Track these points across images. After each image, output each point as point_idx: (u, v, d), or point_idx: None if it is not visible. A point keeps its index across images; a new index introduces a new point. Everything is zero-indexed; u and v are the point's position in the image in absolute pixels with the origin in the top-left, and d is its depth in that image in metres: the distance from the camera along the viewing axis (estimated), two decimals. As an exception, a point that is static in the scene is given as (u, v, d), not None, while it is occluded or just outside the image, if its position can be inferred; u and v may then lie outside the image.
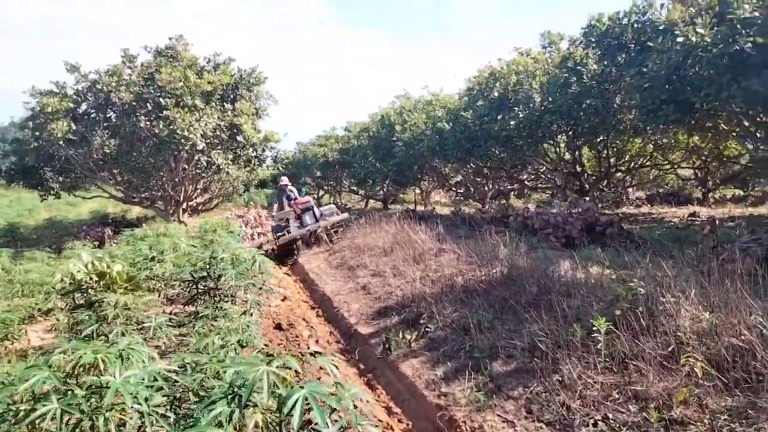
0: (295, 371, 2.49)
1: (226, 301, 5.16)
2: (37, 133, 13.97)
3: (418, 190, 23.28)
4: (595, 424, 3.14)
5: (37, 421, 2.30)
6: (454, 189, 20.46)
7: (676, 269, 4.39)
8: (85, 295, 4.72)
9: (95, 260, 4.82)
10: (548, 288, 5.21)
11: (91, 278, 4.71)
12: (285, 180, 13.25)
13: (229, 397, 2.25)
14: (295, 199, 12.34)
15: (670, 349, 3.52)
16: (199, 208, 19.70)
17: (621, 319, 3.91)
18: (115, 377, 2.49)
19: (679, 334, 3.58)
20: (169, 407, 2.97)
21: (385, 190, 24.06)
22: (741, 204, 15.17)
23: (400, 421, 3.98)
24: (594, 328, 3.71)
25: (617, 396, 3.33)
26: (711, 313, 3.66)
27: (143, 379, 2.63)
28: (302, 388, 2.17)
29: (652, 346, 3.56)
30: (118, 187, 16.30)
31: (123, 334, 4.24)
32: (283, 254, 11.15)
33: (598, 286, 4.91)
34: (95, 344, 2.74)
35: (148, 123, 13.09)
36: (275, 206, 12.94)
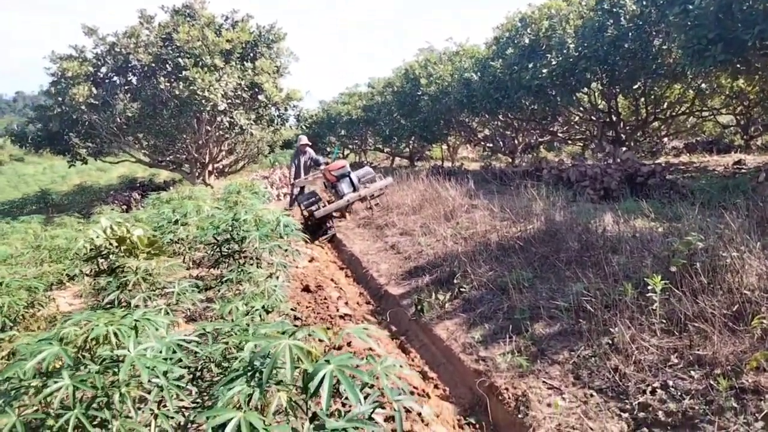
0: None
1: (251, 264, 4.98)
2: (59, 99, 13.88)
3: (445, 146, 22.72)
4: (653, 392, 2.85)
5: (49, 398, 2.13)
6: (482, 143, 19.86)
7: (737, 222, 3.98)
8: (106, 260, 4.58)
9: (114, 225, 4.65)
10: (591, 244, 4.86)
11: (110, 243, 4.55)
12: (304, 139, 11.19)
13: (249, 374, 2.03)
14: (317, 163, 10.45)
15: (735, 308, 3.18)
16: (226, 170, 19.64)
17: (677, 277, 3.57)
18: (129, 350, 2.28)
19: (745, 292, 3.22)
20: (190, 380, 2.79)
21: (411, 147, 23.57)
22: (788, 150, 14.32)
23: (436, 386, 3.76)
24: (649, 287, 3.38)
25: (677, 361, 3.02)
26: (783, 268, 3.29)
27: (160, 351, 2.44)
28: (328, 362, 1.93)
29: (714, 306, 3.22)
30: (143, 151, 16.24)
31: (145, 301, 4.11)
32: (314, 229, 8.81)
33: (646, 240, 4.54)
34: (107, 315, 2.53)
35: (168, 84, 12.84)
36: (292, 170, 11.02)
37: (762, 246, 3.76)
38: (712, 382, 2.73)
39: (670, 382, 2.86)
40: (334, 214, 9.16)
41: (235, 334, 3.00)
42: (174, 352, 2.59)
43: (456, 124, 17.98)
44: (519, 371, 3.42)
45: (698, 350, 3.01)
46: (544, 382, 3.26)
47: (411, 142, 22.71)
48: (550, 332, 3.78)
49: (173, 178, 20.63)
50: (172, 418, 2.42)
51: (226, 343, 2.80)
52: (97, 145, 16.19)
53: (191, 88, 12.30)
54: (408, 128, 19.04)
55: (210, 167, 16.90)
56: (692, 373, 2.88)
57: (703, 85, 12.94)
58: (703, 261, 3.60)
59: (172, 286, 4.26)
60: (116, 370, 2.29)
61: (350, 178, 9.09)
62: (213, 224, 5.34)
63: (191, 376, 2.78)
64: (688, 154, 15.61)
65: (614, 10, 10.53)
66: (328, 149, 30.83)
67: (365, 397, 2.30)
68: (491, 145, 19.18)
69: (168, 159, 16.60)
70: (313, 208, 8.79)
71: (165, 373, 2.35)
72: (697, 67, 9.23)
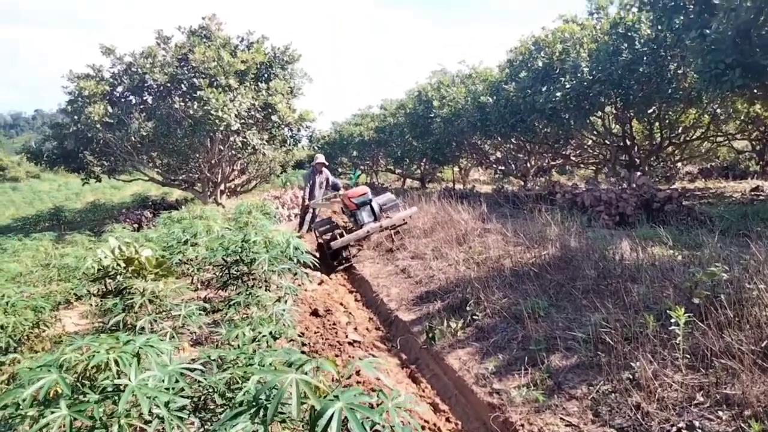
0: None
1: (260, 287, 4.89)
2: (75, 117, 14.04)
3: (456, 168, 22.67)
4: (678, 433, 2.69)
5: (45, 429, 2.04)
6: (494, 166, 19.78)
7: (764, 252, 3.83)
8: (113, 281, 4.52)
9: (123, 245, 4.60)
10: (609, 272, 4.72)
11: (118, 264, 4.49)
12: (321, 158, 10.60)
13: (253, 410, 1.92)
14: (336, 187, 9.99)
15: (764, 344, 3.02)
16: (238, 189, 19.70)
17: (701, 309, 3.43)
18: (130, 379, 2.19)
19: (774, 327, 3.07)
20: (193, 410, 2.69)
21: (422, 168, 23.56)
22: (807, 177, 14.06)
23: (448, 420, 3.62)
24: (671, 320, 3.23)
25: (702, 399, 2.87)
26: (814, 303, 3.14)
27: (162, 380, 2.34)
28: (337, 398, 1.83)
29: (742, 341, 3.06)
30: (156, 170, 16.34)
31: (151, 324, 4.03)
32: (330, 257, 7.99)
33: (666, 269, 4.39)
34: (109, 340, 2.45)
35: (183, 104, 12.94)
36: (306, 190, 10.41)
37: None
38: (742, 425, 2.57)
39: (697, 423, 2.71)
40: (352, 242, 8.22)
41: (240, 362, 2.90)
42: (177, 381, 2.50)
43: (468, 147, 17.95)
44: (535, 406, 3.28)
45: (725, 389, 2.85)
46: (561, 418, 3.11)
47: (422, 163, 22.70)
48: (568, 365, 3.64)
49: (185, 197, 20.73)
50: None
51: (231, 372, 2.70)
52: (111, 164, 16.32)
53: (205, 107, 12.38)
54: (420, 150, 19.05)
55: (222, 186, 16.95)
56: (720, 413, 2.72)
57: (719, 110, 12.82)
58: (728, 293, 3.46)
59: (179, 308, 4.19)
60: (116, 399, 2.20)
61: (371, 206, 8.28)
62: (222, 245, 5.28)
63: (194, 406, 2.68)
64: (703, 180, 15.41)
65: (629, 34, 10.51)
66: (340, 170, 30.94)
67: (374, 434, 2.19)
68: (503, 167, 19.09)
69: (180, 178, 16.68)
70: (328, 236, 8.17)
71: (167, 404, 2.25)
72: (714, 92, 9.13)
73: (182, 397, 2.51)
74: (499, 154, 19.26)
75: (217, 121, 12.50)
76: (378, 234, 8.39)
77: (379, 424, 2.05)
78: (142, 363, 2.38)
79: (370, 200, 8.30)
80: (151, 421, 2.25)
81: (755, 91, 9.65)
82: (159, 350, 2.55)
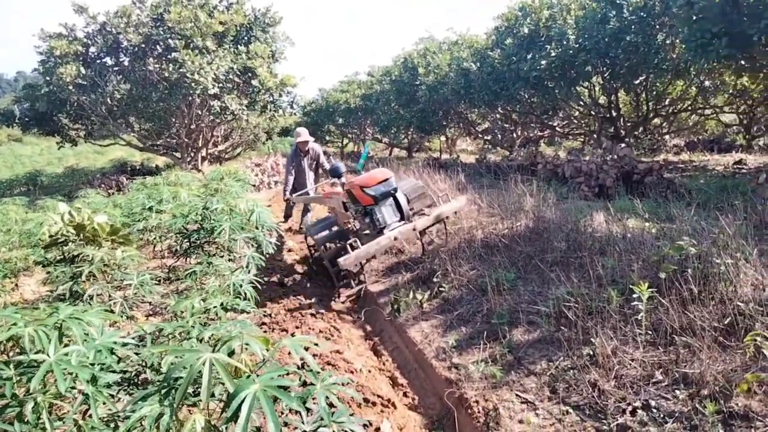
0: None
1: (221, 256, 4.73)
2: (47, 78, 13.54)
3: (443, 138, 22.39)
4: (633, 412, 2.60)
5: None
6: (480, 136, 19.54)
7: (733, 226, 3.71)
8: (63, 249, 4.33)
9: (73, 211, 4.39)
10: (579, 244, 4.60)
11: (68, 231, 4.29)
12: (304, 133, 7.97)
13: (163, 392, 1.78)
14: (336, 172, 6.37)
15: (727, 321, 2.92)
16: (222, 156, 19.34)
17: (666, 284, 3.31)
18: (48, 354, 2.03)
19: (738, 303, 2.97)
20: (126, 387, 2.55)
21: (409, 137, 23.25)
22: (791, 152, 14.01)
23: (405, 394, 3.52)
24: (634, 294, 3.11)
25: (661, 378, 2.77)
26: (781, 279, 3.03)
27: (88, 356, 2.19)
28: (256, 381, 1.68)
29: (704, 318, 2.96)
30: (134, 135, 15.93)
31: (100, 294, 3.87)
32: (335, 277, 5.35)
33: (637, 242, 4.27)
34: (33, 313, 2.29)
35: (158, 66, 12.50)
36: (289, 178, 7.78)
37: (759, 252, 3.51)
38: (698, 405, 2.48)
39: (653, 402, 2.61)
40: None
41: (179, 336, 2.76)
42: (111, 354, 2.36)
43: (454, 116, 17.66)
44: (492, 382, 3.17)
45: (685, 367, 2.75)
46: (517, 395, 3.01)
47: (409, 132, 22.38)
48: (529, 339, 3.53)
49: (168, 163, 20.34)
50: (97, 428, 2.17)
51: (168, 344, 2.56)
52: (88, 128, 15.87)
53: (181, 70, 11.96)
54: (406, 118, 18.72)
55: (203, 153, 16.60)
56: (677, 392, 2.63)
57: (707, 82, 12.63)
58: (695, 268, 3.34)
59: (131, 277, 4.03)
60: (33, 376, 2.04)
61: (396, 199, 5.23)
62: (182, 212, 5.09)
63: (127, 382, 2.54)
64: (688, 153, 15.30)
65: (617, 1, 10.20)
66: (327, 138, 30.38)
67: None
68: (490, 138, 18.86)
69: (158, 143, 16.30)
70: (332, 248, 5.58)
71: (94, 379, 2.10)
72: (700, 62, 8.92)
73: (112, 372, 2.36)
74: (486, 125, 19.01)
75: (193, 84, 12.10)
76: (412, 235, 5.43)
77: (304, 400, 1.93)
78: (73, 337, 2.23)
79: (395, 190, 5.18)
80: (73, 399, 2.12)
81: (742, 62, 9.46)
82: (87, 323, 2.40)
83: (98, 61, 14.13)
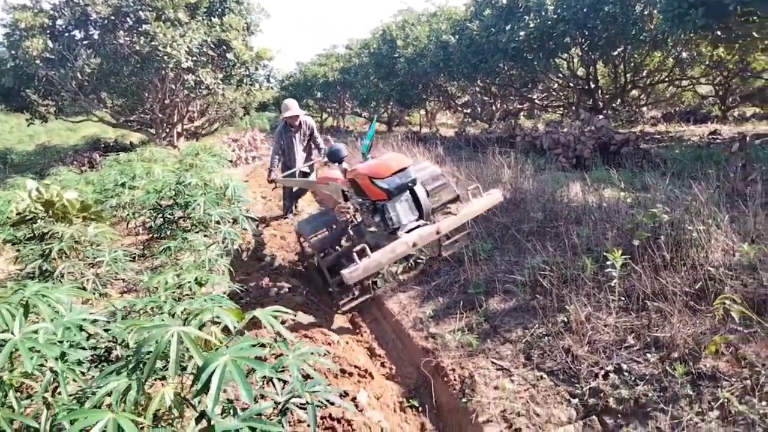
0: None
1: (196, 232, 4.67)
2: (12, 52, 13.06)
3: (423, 112, 22.25)
4: (605, 376, 2.64)
5: None
6: (460, 109, 19.45)
7: (705, 193, 3.75)
8: (32, 226, 4.23)
9: (41, 188, 4.27)
10: (555, 214, 4.63)
11: (36, 208, 4.18)
12: (293, 106, 6.65)
13: (131, 367, 1.74)
14: (336, 155, 4.67)
15: (698, 286, 2.97)
16: (199, 132, 18.98)
17: (639, 251, 3.35)
18: (13, 333, 1.98)
19: (709, 269, 3.01)
20: (97, 363, 2.51)
21: (389, 111, 23.06)
22: (763, 122, 14.23)
23: (383, 365, 3.54)
24: (608, 262, 3.15)
25: (633, 342, 2.82)
26: (750, 244, 3.08)
27: (55, 334, 2.15)
28: (224, 351, 1.66)
29: (676, 284, 3.00)
30: (105, 110, 15.52)
31: (71, 271, 3.80)
32: (336, 289, 4.42)
33: (612, 211, 4.31)
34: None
35: (129, 39, 12.12)
36: (275, 159, 6.69)
37: (730, 219, 3.56)
38: (668, 367, 2.53)
39: (624, 366, 2.66)
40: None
41: (150, 311, 2.72)
42: (81, 331, 2.32)
43: (434, 89, 17.52)
44: (468, 350, 3.20)
45: (656, 331, 2.80)
46: (493, 362, 3.04)
47: (389, 106, 22.19)
48: (505, 308, 3.56)
49: (143, 139, 19.93)
50: (66, 405, 2.13)
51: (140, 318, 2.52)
52: (58, 104, 15.40)
53: (152, 43, 11.61)
54: (385, 92, 18.52)
55: (179, 128, 16.27)
56: (648, 356, 2.68)
57: (684, 54, 12.68)
58: (668, 235, 3.38)
59: (102, 254, 3.96)
60: (-1, 354, 1.99)
61: (413, 192, 4.04)
62: (155, 188, 5.00)
63: (99, 359, 2.50)
64: (665, 124, 15.44)
65: (595, -30, 10.13)
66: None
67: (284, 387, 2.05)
68: (470, 111, 18.80)
69: (132, 119, 15.91)
70: (332, 254, 4.56)
71: (63, 357, 2.07)
72: (677, 32, 8.93)
73: (82, 349, 2.33)
74: (466, 98, 18.91)
75: (165, 57, 11.77)
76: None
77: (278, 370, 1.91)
78: (41, 314, 2.19)
79: (413, 182, 3.97)
80: (40, 377, 2.08)
81: (718, 32, 9.50)
82: (56, 300, 2.36)
83: (66, 35, 13.64)
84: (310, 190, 6.94)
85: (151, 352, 1.72)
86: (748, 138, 6.77)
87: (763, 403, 2.17)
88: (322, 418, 2.51)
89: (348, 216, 4.74)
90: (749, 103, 15.52)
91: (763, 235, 3.17)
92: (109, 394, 1.68)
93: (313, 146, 6.98)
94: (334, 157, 4.73)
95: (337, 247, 4.69)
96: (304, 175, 6.76)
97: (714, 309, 2.68)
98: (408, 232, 3.78)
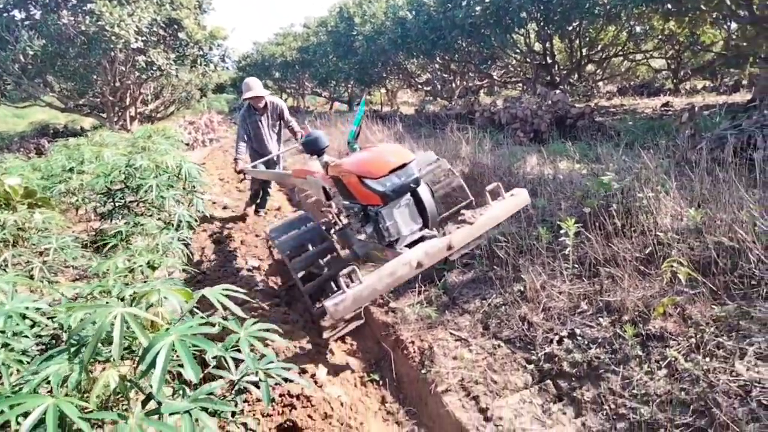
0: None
1: (149, 216, 4.53)
2: (-53, 34, 12.33)
3: (383, 91, 22.11)
4: (560, 342, 2.70)
5: None
6: (421, 87, 19.41)
7: (654, 161, 3.85)
8: (-30, 214, 4.03)
9: (-21, 174, 4.07)
10: (512, 186, 4.66)
11: (-25, 195, 3.99)
12: (256, 86, 5.81)
13: (73, 350, 1.68)
14: (316, 146, 3.82)
15: (648, 251, 3.05)
16: (154, 115, 18.40)
17: (592, 219, 3.42)
18: (-52, 323, 1.88)
19: (658, 234, 3.10)
20: (42, 351, 2.42)
21: (349, 91, 22.82)
22: (713, 94, 14.69)
23: (343, 341, 3.53)
24: (562, 231, 3.20)
25: (586, 308, 2.89)
26: (696, 208, 3.17)
27: (-2, 322, 2.06)
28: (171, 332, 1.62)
29: (627, 249, 3.08)
30: (52, 95, 14.86)
31: (20, 260, 3.65)
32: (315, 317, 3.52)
33: (566, 182, 4.39)
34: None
35: (73, 19, 11.58)
36: (241, 148, 5.82)
37: (679, 186, 3.66)
38: (619, 330, 2.60)
39: (578, 331, 2.72)
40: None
41: (99, 297, 2.64)
42: (24, 319, 2.23)
43: (393, 67, 17.40)
44: (428, 323, 3.23)
45: (608, 296, 2.87)
46: (451, 333, 3.07)
47: (349, 86, 21.96)
48: (463, 280, 3.60)
49: (95, 124, 19.23)
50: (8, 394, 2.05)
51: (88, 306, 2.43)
52: (0, 89, 14.66)
53: (99, 23, 11.12)
54: (344, 71, 18.31)
55: (132, 112, 15.73)
56: (600, 320, 2.75)
57: (637, 28, 12.94)
58: (619, 202, 3.46)
59: (48, 241, 3.81)
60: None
61: (416, 195, 3.30)
62: (104, 171, 4.82)
63: (45, 347, 2.41)
64: (620, 98, 15.78)
65: (550, -56, 10.16)
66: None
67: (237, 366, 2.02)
68: (430, 89, 18.77)
69: (80, 103, 15.29)
70: (314, 279, 3.57)
71: (6, 346, 1.99)
72: (628, 6, 9.10)
73: (26, 338, 2.24)
74: (426, 76, 18.86)
75: (113, 38, 11.30)
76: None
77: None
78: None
79: (416, 182, 3.16)
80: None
81: (668, 5, 9.71)
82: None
83: (5, 15, 12.95)
84: (278, 184, 5.98)
85: (92, 335, 1.66)
86: (697, 109, 6.96)
87: (707, 359, 2.26)
88: (280, 395, 2.49)
89: (330, 217, 4.07)
90: (700, 76, 16.00)
91: (709, 199, 3.27)
92: (50, 381, 1.62)
93: (286, 130, 6.20)
94: (313, 148, 3.83)
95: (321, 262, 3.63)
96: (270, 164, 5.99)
97: (662, 272, 2.76)
98: (409, 245, 3.05)
